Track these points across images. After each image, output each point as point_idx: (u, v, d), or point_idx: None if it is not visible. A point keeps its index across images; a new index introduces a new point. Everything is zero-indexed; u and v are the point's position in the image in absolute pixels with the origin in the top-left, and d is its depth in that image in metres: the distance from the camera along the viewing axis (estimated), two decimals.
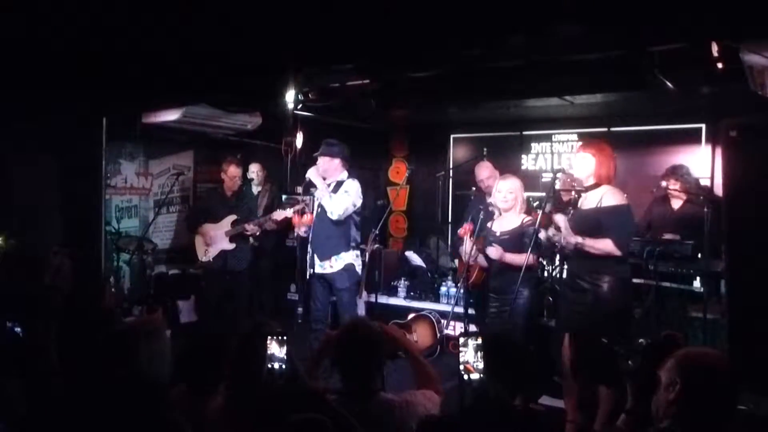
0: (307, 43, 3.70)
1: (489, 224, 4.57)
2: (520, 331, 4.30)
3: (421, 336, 5.87)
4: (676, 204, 5.22)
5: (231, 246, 5.78)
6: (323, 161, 5.01)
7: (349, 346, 2.38)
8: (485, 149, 6.27)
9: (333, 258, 4.90)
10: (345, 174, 5.06)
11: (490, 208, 4.65)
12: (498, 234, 4.46)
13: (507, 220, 4.48)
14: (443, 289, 6.47)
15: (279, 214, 5.72)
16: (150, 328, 2.24)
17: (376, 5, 3.13)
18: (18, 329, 2.52)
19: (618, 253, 3.69)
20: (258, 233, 5.87)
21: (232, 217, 5.81)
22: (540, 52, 3.50)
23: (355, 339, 2.38)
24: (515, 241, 4.34)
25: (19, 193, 4.77)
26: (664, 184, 5.14)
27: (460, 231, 4.70)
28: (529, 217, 4.38)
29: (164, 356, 2.24)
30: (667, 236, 4.93)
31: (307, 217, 5.16)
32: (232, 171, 5.92)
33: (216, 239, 5.81)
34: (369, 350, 2.34)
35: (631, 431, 2.05)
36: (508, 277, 4.29)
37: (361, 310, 6.16)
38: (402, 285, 6.79)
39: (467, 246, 4.53)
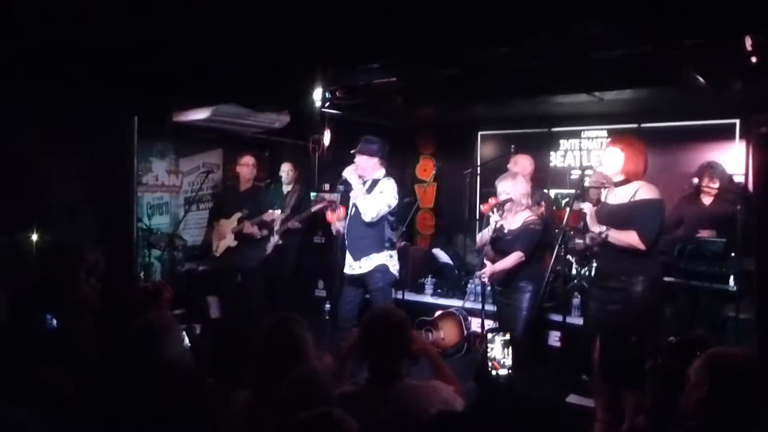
0: (333, 42, 3.72)
1: (498, 222, 4.41)
2: (521, 325, 4.28)
3: (447, 333, 5.86)
4: (707, 200, 5.12)
5: (235, 243, 5.78)
6: (361, 159, 4.79)
7: (376, 330, 2.44)
8: (513, 146, 6.22)
9: (363, 259, 4.75)
10: (382, 172, 4.86)
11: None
12: (506, 232, 4.41)
13: (511, 219, 4.43)
14: (470, 286, 6.44)
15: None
16: (161, 325, 2.28)
17: (402, 4, 3.14)
18: (54, 321, 2.60)
19: (642, 246, 3.58)
20: (259, 235, 5.79)
21: (239, 214, 5.79)
22: (567, 49, 3.45)
23: (381, 323, 2.45)
24: (517, 241, 4.34)
25: (52, 191, 4.90)
26: (696, 181, 5.05)
27: (484, 207, 4.48)
28: (533, 216, 4.36)
29: (181, 351, 2.28)
30: (704, 233, 4.84)
31: (340, 212, 5.06)
32: (246, 160, 5.91)
33: (225, 235, 5.84)
34: (394, 335, 2.40)
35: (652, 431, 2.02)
36: (512, 272, 4.36)
37: None
38: (429, 282, 6.78)
39: (487, 234, 4.42)
